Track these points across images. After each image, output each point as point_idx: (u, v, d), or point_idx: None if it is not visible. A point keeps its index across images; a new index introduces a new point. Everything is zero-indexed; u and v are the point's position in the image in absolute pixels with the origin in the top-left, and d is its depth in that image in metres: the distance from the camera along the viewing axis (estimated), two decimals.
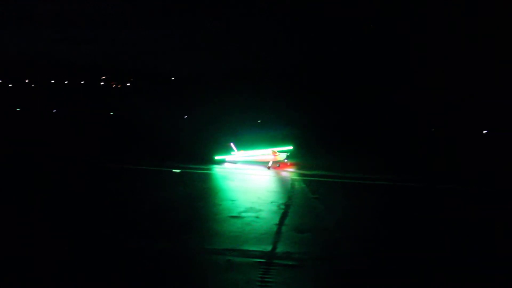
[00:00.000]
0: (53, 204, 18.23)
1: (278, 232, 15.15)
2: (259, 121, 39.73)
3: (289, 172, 24.15)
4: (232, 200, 19.01)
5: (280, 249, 13.73)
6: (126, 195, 20.08)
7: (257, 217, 16.70)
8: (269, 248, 13.72)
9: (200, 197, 19.72)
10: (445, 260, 13.05)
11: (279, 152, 24.58)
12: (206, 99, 51.82)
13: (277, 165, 24.89)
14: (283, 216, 16.88)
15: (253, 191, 20.58)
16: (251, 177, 23.59)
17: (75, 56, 71.17)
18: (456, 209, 18.03)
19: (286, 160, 24.81)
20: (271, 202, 18.64)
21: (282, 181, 22.83)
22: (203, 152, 26.96)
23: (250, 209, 17.57)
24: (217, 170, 24.66)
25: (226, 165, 25.42)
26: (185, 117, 43.39)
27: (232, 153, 25.29)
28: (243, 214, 16.98)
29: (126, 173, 23.98)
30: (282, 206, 18.12)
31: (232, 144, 25.41)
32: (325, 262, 12.88)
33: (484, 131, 33.95)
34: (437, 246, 14.18)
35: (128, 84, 71.24)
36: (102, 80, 70.94)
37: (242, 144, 25.84)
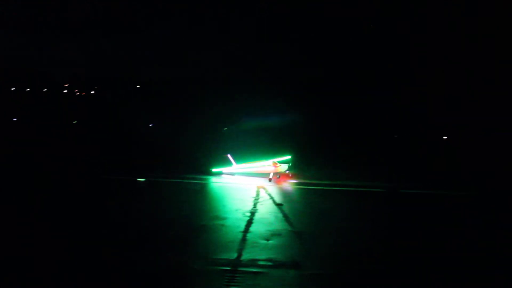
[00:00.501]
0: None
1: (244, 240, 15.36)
2: (225, 128, 39.67)
3: (290, 183, 23.89)
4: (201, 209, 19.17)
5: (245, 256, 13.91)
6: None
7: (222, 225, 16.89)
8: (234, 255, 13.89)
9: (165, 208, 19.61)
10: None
11: (280, 162, 23.81)
12: (173, 106, 51.24)
13: (277, 176, 24.09)
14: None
15: (227, 201, 20.77)
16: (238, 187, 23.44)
17: (37, 62, 68.35)
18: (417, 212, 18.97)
19: (287, 172, 23.98)
20: (236, 210, 18.85)
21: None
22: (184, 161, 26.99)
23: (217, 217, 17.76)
24: (194, 180, 24.20)
25: (223, 176, 24.84)
26: (151, 125, 42.68)
27: (229, 165, 24.83)
28: (210, 223, 17.09)
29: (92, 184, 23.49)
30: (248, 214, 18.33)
31: (229, 156, 24.86)
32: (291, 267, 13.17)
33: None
34: (402, 247, 14.86)
35: (92, 92, 69.16)
36: (65, 88, 68.50)
37: (238, 155, 25.20)
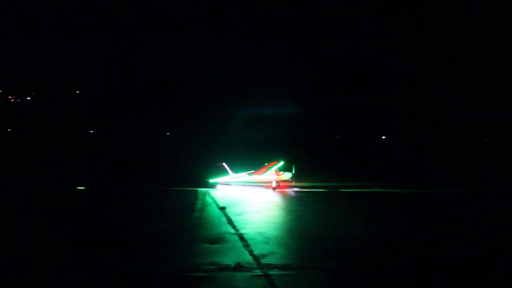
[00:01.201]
0: None
1: None
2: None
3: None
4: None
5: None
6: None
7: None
8: None
9: None
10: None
11: (282, 171, 22.25)
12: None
13: (277, 184, 22.32)
14: None
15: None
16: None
17: None
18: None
19: (290, 180, 22.31)
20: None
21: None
22: None
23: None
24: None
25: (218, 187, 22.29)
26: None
27: (225, 174, 22.59)
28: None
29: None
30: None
31: (224, 165, 22.63)
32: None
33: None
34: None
35: (28, 98, 62.88)
36: None
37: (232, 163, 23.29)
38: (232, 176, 22.61)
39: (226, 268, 10.76)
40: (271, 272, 10.57)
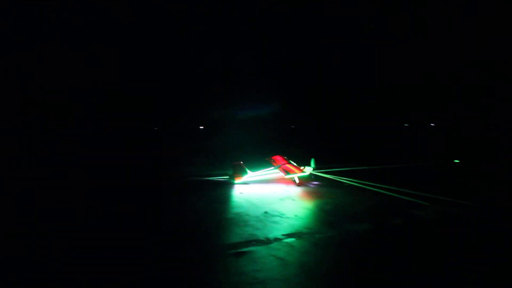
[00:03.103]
0: None
1: None
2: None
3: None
4: None
5: None
6: None
7: None
8: None
9: None
10: None
11: (303, 166, 20.81)
12: None
13: (299, 179, 20.51)
14: None
15: None
16: None
17: None
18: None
19: (312, 176, 21.06)
20: None
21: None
22: None
23: None
24: None
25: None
26: None
27: (244, 174, 20.90)
28: None
29: None
30: None
31: (241, 164, 21.06)
32: None
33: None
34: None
35: None
36: None
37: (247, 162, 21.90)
38: (251, 175, 20.75)
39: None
40: None
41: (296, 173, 20.26)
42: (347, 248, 11.77)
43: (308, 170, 20.72)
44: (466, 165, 25.82)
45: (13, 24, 49.50)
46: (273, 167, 21.08)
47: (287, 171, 20.31)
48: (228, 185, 20.44)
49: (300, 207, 16.10)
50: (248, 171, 20.80)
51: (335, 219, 14.42)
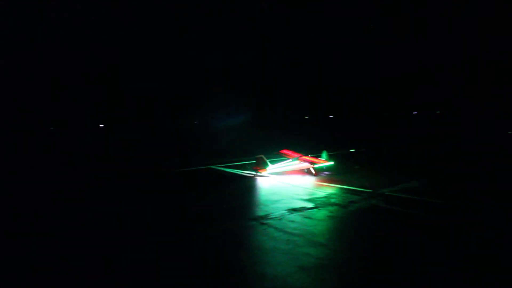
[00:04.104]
0: None
1: None
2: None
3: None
4: None
5: None
6: None
7: None
8: None
9: None
10: None
11: (318, 157, 22.90)
12: None
13: (315, 170, 22.59)
14: None
15: None
16: None
17: None
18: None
19: (324, 168, 23.02)
20: None
21: None
22: None
23: None
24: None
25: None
26: None
27: (265, 166, 22.46)
28: None
29: None
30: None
31: (263, 157, 22.58)
32: None
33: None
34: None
35: None
36: None
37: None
38: (270, 168, 22.79)
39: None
40: None
41: (319, 163, 22.46)
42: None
43: (323, 161, 22.82)
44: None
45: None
46: (291, 160, 23.31)
47: (311, 162, 22.42)
48: (252, 177, 22.30)
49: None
50: (269, 163, 22.94)
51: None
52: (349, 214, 14.39)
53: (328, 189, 18.66)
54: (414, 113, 59.83)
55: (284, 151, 25.67)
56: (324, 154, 23.64)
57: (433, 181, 20.39)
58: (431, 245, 11.07)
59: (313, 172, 22.44)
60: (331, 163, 22.77)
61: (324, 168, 23.29)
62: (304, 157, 23.19)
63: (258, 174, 22.42)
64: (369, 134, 45.90)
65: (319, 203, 15.84)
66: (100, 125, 52.53)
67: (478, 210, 14.66)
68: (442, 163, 26.62)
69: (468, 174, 22.32)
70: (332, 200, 16.38)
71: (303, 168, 22.74)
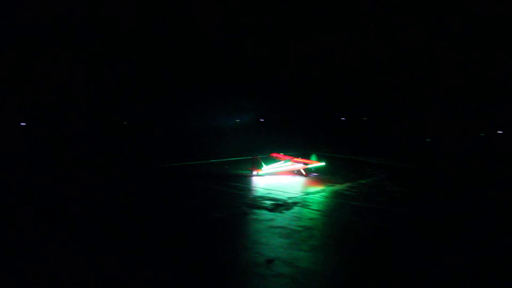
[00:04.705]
0: None
1: None
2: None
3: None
4: None
5: None
6: None
7: None
8: None
9: None
10: None
11: (309, 159, 25.77)
12: None
13: (305, 171, 25.07)
14: None
15: None
16: None
17: None
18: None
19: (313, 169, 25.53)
20: None
21: None
22: None
23: None
24: None
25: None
26: None
27: (260, 167, 24.65)
28: None
29: None
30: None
31: (258, 158, 24.89)
32: None
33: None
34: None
35: None
36: None
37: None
38: (265, 168, 24.88)
39: None
40: None
41: (311, 163, 24.91)
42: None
43: (314, 163, 25.32)
44: None
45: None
46: (283, 161, 25.54)
47: (304, 163, 24.79)
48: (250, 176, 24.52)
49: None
50: (264, 164, 25.12)
51: None
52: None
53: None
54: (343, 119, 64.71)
55: (275, 155, 27.82)
56: (314, 157, 25.98)
57: None
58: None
59: (303, 173, 24.70)
60: (323, 163, 25.09)
61: (313, 169, 25.57)
62: (295, 159, 25.48)
63: (254, 174, 24.64)
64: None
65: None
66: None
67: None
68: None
69: None
70: None
71: (295, 169, 24.99)
